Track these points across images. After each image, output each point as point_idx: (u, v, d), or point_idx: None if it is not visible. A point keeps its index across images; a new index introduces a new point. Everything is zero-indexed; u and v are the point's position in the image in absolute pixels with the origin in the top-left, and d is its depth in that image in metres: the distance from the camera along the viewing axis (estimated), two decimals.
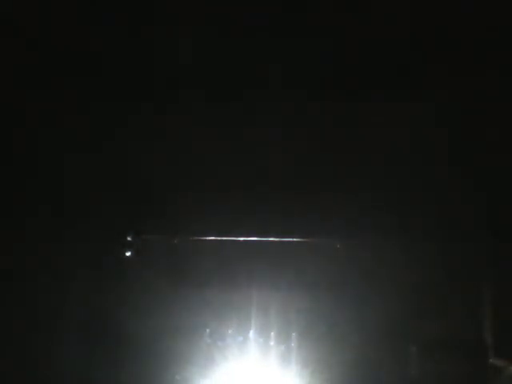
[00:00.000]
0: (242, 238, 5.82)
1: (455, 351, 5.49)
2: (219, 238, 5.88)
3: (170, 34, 5.07)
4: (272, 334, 5.85)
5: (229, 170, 5.60)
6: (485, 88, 5.14)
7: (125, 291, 5.81)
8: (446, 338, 5.53)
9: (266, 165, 5.59)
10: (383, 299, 5.62)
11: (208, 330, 5.86)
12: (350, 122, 5.51)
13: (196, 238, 5.86)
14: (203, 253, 5.87)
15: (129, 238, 5.89)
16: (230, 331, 5.88)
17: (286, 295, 5.81)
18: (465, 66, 5.08)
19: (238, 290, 5.88)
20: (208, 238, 5.88)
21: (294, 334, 5.81)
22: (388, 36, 5.03)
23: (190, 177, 5.64)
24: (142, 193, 5.68)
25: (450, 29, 4.91)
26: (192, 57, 5.24)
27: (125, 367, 5.57)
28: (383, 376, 5.57)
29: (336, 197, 5.55)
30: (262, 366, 5.80)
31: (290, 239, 5.82)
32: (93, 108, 5.49)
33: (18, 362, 5.47)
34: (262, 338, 5.88)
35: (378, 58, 5.11)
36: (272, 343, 5.83)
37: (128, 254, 5.87)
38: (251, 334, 5.86)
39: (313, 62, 5.13)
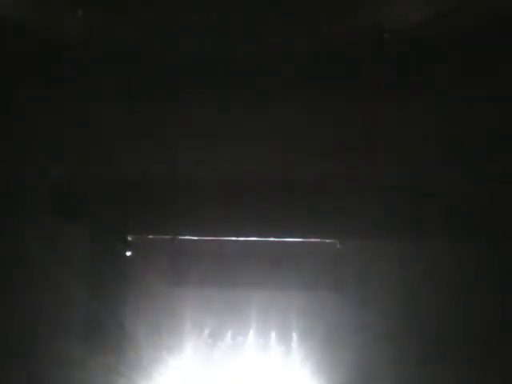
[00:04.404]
0: (242, 238, 5.83)
1: (455, 351, 5.49)
2: (219, 238, 5.88)
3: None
4: (272, 334, 5.86)
5: (229, 171, 5.60)
6: (482, 91, 5.15)
7: (125, 290, 5.82)
8: (446, 337, 5.53)
9: (267, 166, 5.59)
10: (383, 299, 5.62)
11: (208, 330, 5.86)
12: (351, 122, 5.50)
13: (196, 237, 5.86)
14: (203, 253, 5.88)
15: (129, 238, 5.90)
16: (229, 331, 5.89)
17: (286, 295, 5.81)
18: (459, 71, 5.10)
19: (237, 289, 5.89)
20: (208, 238, 5.88)
21: (294, 334, 5.82)
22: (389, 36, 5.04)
23: (190, 177, 5.64)
24: (142, 193, 5.68)
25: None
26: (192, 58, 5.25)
27: (124, 365, 5.58)
28: (383, 376, 5.57)
29: (336, 197, 5.55)
30: (262, 366, 5.81)
31: (290, 239, 5.83)
32: (92, 109, 5.50)
33: (19, 360, 5.48)
34: (262, 339, 5.88)
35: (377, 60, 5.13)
36: (272, 343, 5.84)
37: (128, 253, 5.88)
38: (251, 334, 5.86)
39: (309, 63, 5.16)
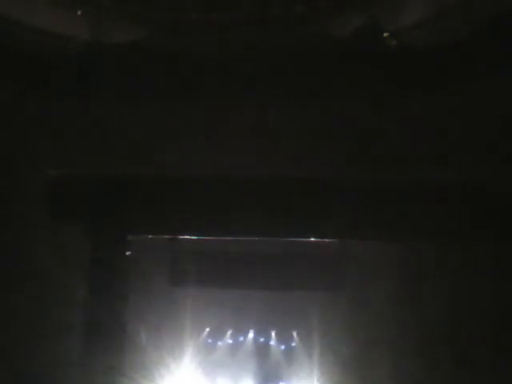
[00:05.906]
0: (242, 238, 5.83)
1: (454, 351, 5.49)
2: (219, 238, 5.88)
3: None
4: (272, 334, 5.87)
5: (229, 172, 5.59)
6: (482, 91, 5.15)
7: (125, 290, 5.82)
8: (446, 337, 5.53)
9: (267, 166, 5.58)
10: (383, 299, 5.62)
11: (208, 330, 5.87)
12: (350, 122, 5.50)
13: (196, 237, 5.86)
14: (203, 253, 5.88)
15: (129, 238, 5.90)
16: (229, 331, 5.90)
17: (286, 295, 5.82)
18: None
19: (237, 289, 5.90)
20: (208, 238, 5.88)
21: (294, 333, 5.83)
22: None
23: (190, 178, 5.63)
24: (142, 193, 5.68)
25: None
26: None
27: (124, 365, 5.58)
28: (383, 375, 5.58)
29: (336, 197, 5.54)
30: (262, 365, 5.82)
31: (290, 239, 5.83)
32: (92, 109, 5.49)
33: (19, 360, 5.48)
34: (262, 338, 5.89)
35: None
36: (272, 343, 5.85)
37: (128, 253, 5.87)
38: (251, 334, 5.87)
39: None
